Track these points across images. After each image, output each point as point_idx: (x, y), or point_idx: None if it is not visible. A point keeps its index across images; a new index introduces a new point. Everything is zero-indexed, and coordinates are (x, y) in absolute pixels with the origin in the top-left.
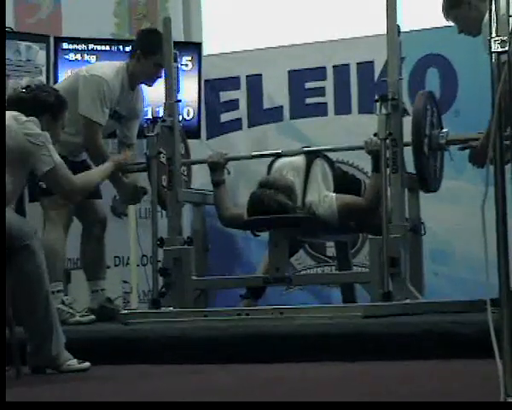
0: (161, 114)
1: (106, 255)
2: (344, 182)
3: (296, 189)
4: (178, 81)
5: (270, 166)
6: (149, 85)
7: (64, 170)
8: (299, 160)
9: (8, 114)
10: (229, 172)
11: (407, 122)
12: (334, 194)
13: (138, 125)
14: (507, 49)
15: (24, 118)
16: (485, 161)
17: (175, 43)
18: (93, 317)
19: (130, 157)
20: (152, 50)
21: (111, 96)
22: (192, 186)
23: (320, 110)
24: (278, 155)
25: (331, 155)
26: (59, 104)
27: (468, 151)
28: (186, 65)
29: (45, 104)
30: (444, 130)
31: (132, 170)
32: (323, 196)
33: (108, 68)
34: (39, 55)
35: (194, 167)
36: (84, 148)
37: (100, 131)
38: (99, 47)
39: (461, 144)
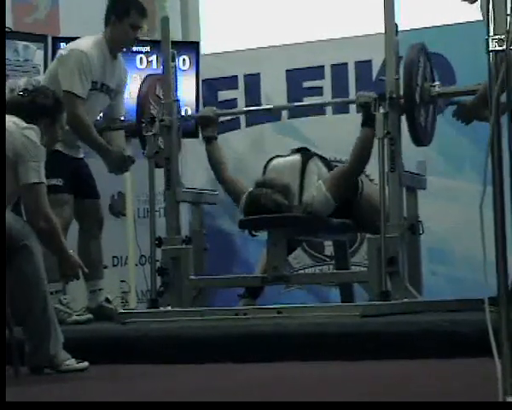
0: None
1: (103, 255)
2: None
3: (292, 188)
4: (176, 80)
5: (265, 166)
6: (129, 49)
7: (46, 194)
8: (295, 159)
9: (8, 118)
10: (222, 122)
11: (405, 122)
12: (319, 181)
13: (123, 99)
14: (504, 47)
15: (24, 124)
16: (471, 118)
17: (173, 42)
18: (90, 316)
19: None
20: (125, 12)
21: (91, 68)
22: (191, 186)
23: (318, 109)
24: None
25: (327, 154)
26: (57, 106)
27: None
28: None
29: (43, 108)
30: (436, 82)
31: (118, 127)
32: (315, 189)
33: (86, 41)
34: (37, 54)
35: (193, 167)
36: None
37: (80, 103)
38: None
39: (453, 98)
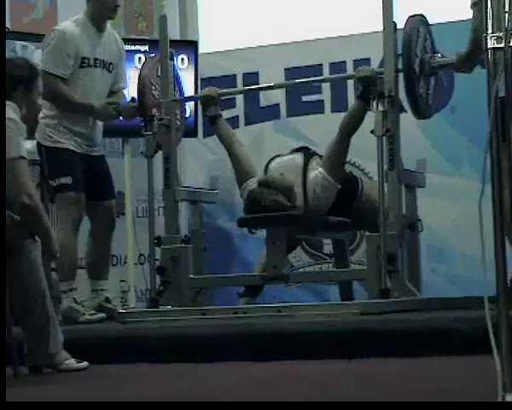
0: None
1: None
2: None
3: (295, 189)
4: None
5: (267, 166)
6: (112, 18)
7: (27, 170)
8: (297, 159)
9: None
10: (222, 109)
11: (403, 119)
12: (319, 168)
13: (124, 67)
14: (503, 45)
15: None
16: (472, 66)
17: (171, 41)
18: (103, 315)
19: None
20: None
21: (72, 44)
22: (190, 185)
23: (317, 108)
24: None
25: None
26: (31, 73)
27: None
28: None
29: (19, 79)
30: (437, 54)
31: (122, 109)
32: (315, 178)
33: (65, 22)
34: (35, 54)
35: (193, 166)
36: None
37: (61, 83)
38: None
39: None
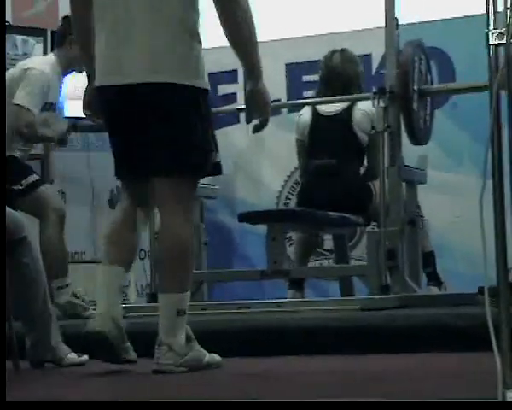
0: None
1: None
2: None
3: None
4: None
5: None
6: (80, 71)
7: None
8: None
9: None
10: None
11: None
12: None
13: None
14: (504, 41)
15: None
16: None
17: None
18: None
19: None
20: None
21: (51, 92)
22: None
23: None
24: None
25: None
26: None
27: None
28: None
29: None
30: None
31: None
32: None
33: (45, 65)
34: (36, 48)
35: None
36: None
37: (32, 115)
38: None
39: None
